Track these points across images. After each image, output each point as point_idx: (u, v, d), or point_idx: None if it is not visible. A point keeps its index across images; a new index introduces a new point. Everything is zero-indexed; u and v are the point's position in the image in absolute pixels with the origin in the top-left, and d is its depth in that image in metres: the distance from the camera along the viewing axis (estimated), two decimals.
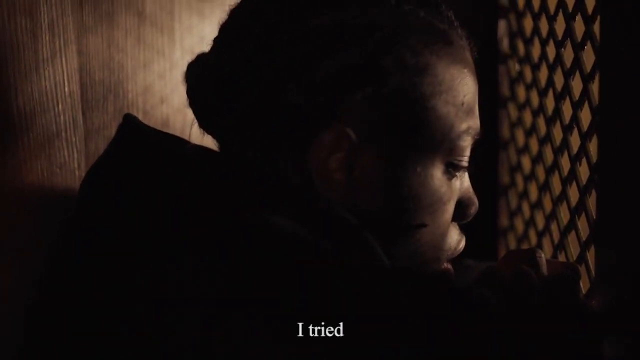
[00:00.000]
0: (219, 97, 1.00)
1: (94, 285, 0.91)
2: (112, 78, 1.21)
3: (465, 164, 1.02)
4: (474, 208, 1.05)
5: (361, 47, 0.96)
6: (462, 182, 1.04)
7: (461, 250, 1.06)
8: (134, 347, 0.85)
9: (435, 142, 0.99)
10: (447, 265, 1.05)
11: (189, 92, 1.03)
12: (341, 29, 0.97)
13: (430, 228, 1.00)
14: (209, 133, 1.04)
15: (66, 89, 1.12)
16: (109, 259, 0.91)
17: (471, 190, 1.05)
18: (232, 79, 0.99)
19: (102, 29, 1.19)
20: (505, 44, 1.49)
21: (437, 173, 1.00)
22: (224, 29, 1.03)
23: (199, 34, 1.34)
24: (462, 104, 1.00)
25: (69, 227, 0.99)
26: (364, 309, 0.83)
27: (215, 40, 1.04)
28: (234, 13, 1.03)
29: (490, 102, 1.50)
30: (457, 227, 1.05)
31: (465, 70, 1.01)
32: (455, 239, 1.05)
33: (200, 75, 1.02)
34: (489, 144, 1.51)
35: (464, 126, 1.00)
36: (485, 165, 1.52)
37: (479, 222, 1.15)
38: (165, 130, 1.07)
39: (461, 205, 1.04)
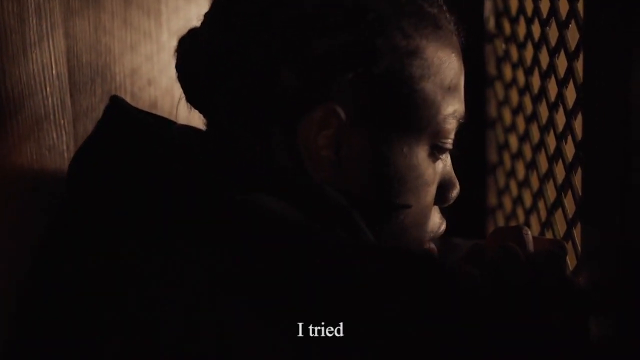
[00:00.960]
0: (209, 74, 1.00)
1: (84, 269, 0.91)
2: (100, 60, 1.21)
3: (449, 146, 1.03)
4: (456, 191, 1.06)
5: (353, 28, 0.97)
6: (445, 165, 1.05)
7: (442, 233, 1.07)
8: (123, 332, 0.86)
9: (422, 123, 1.00)
10: (430, 245, 1.06)
11: (179, 67, 1.04)
12: (334, 9, 0.97)
13: (414, 209, 1.01)
14: (197, 109, 1.04)
15: (54, 71, 1.11)
16: (99, 242, 0.92)
17: (453, 173, 1.06)
18: (224, 55, 0.99)
19: (88, 11, 1.19)
20: (491, 23, 1.49)
21: (422, 154, 1.01)
22: (217, 3, 1.03)
23: (186, 16, 1.34)
24: (449, 87, 1.01)
25: (59, 210, 0.99)
26: (353, 289, 0.83)
27: (207, 15, 1.04)
28: None
29: (478, 81, 1.50)
30: (439, 210, 1.06)
31: (453, 55, 1.02)
32: (436, 222, 1.06)
33: (191, 51, 1.02)
34: (476, 123, 1.52)
35: (450, 109, 1.01)
36: (474, 144, 1.52)
37: (468, 201, 1.16)
38: (153, 112, 1.07)
39: (443, 187, 1.05)
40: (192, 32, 1.04)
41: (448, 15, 1.04)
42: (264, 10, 0.98)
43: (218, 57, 0.99)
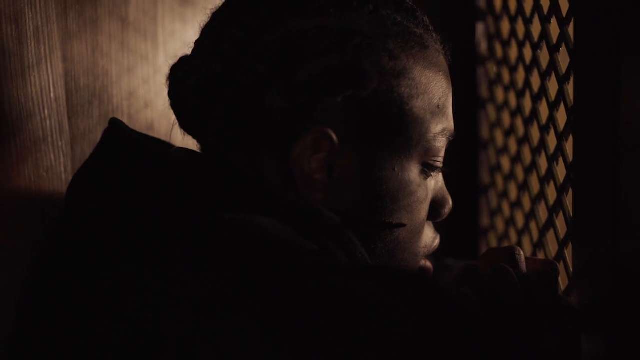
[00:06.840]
0: (200, 99, 1.01)
1: (79, 288, 0.92)
2: (97, 83, 1.22)
3: (440, 164, 1.04)
4: (448, 207, 1.07)
5: (341, 50, 0.98)
6: (437, 182, 1.06)
7: (436, 247, 1.08)
8: (118, 350, 0.86)
9: (411, 142, 1.01)
10: (425, 263, 1.06)
11: (171, 94, 1.04)
12: (321, 33, 0.98)
13: (407, 227, 1.02)
14: (189, 134, 1.05)
15: (52, 94, 1.12)
16: (95, 262, 0.92)
17: (445, 189, 1.07)
18: (213, 81, 1.00)
19: (86, 35, 1.20)
20: (483, 46, 1.50)
21: (414, 173, 1.02)
22: (205, 31, 1.04)
23: (182, 38, 1.35)
24: (438, 106, 1.02)
25: (56, 230, 1.00)
26: (349, 310, 0.84)
27: (197, 42, 1.05)
28: (215, 15, 1.04)
29: (470, 103, 1.51)
30: (432, 225, 1.07)
31: (441, 74, 1.03)
32: (430, 237, 1.07)
33: (182, 78, 1.03)
34: (469, 145, 1.52)
35: (439, 127, 1.02)
36: (466, 165, 1.53)
37: (461, 222, 1.17)
38: (150, 134, 1.08)
39: (436, 204, 1.06)
40: (183, 59, 1.04)
41: (434, 35, 1.05)
42: (251, 35, 0.99)
43: (208, 83, 1.00)
